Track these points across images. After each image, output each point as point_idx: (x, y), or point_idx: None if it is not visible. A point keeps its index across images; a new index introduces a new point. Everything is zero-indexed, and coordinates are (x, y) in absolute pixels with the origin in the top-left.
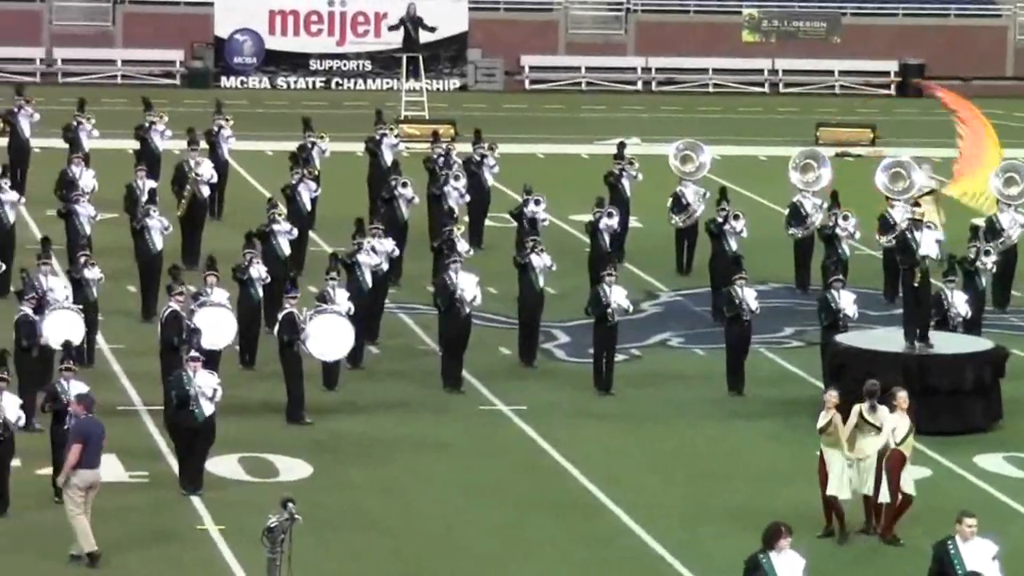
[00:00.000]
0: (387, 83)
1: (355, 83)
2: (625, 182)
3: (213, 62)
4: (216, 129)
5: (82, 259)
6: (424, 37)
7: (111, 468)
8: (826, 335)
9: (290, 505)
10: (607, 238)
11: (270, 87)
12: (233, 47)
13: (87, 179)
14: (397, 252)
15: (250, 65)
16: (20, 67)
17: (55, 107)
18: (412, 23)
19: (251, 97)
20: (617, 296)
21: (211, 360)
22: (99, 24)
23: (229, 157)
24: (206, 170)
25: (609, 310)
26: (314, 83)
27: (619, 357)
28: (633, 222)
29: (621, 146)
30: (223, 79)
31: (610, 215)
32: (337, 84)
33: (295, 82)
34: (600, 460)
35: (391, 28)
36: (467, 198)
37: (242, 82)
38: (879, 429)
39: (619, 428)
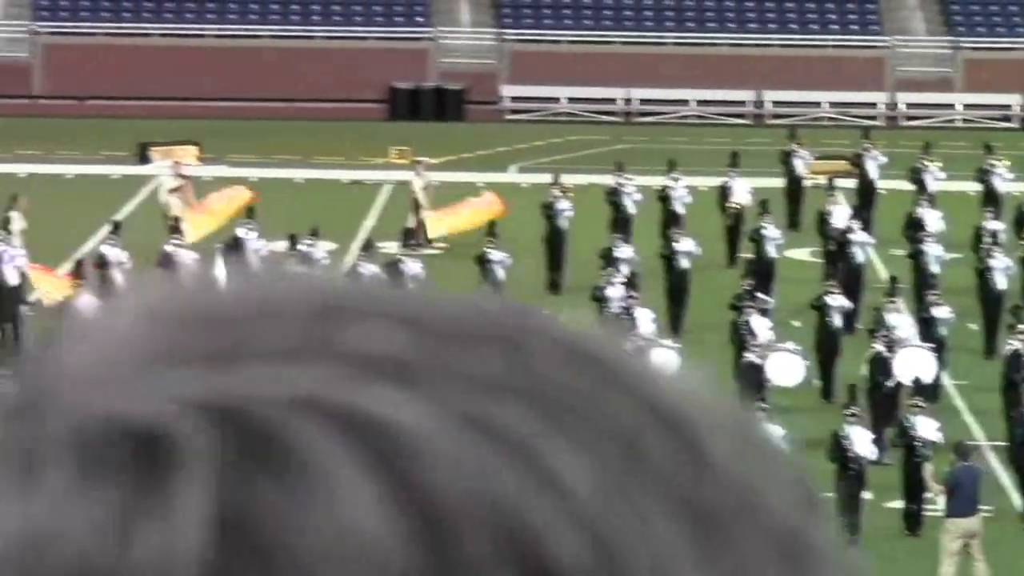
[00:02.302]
0: None
1: None
2: None
3: None
4: None
5: (930, 298)
6: None
7: None
8: None
9: None
10: None
11: None
12: None
13: (933, 220)
14: None
15: None
16: (865, 111)
17: (899, 150)
18: None
19: None
20: None
21: None
22: (940, 70)
23: None
24: None
25: None
26: None
27: None
28: None
29: None
30: None
31: None
32: None
33: None
34: None
35: None
36: None
37: None
38: None
39: None
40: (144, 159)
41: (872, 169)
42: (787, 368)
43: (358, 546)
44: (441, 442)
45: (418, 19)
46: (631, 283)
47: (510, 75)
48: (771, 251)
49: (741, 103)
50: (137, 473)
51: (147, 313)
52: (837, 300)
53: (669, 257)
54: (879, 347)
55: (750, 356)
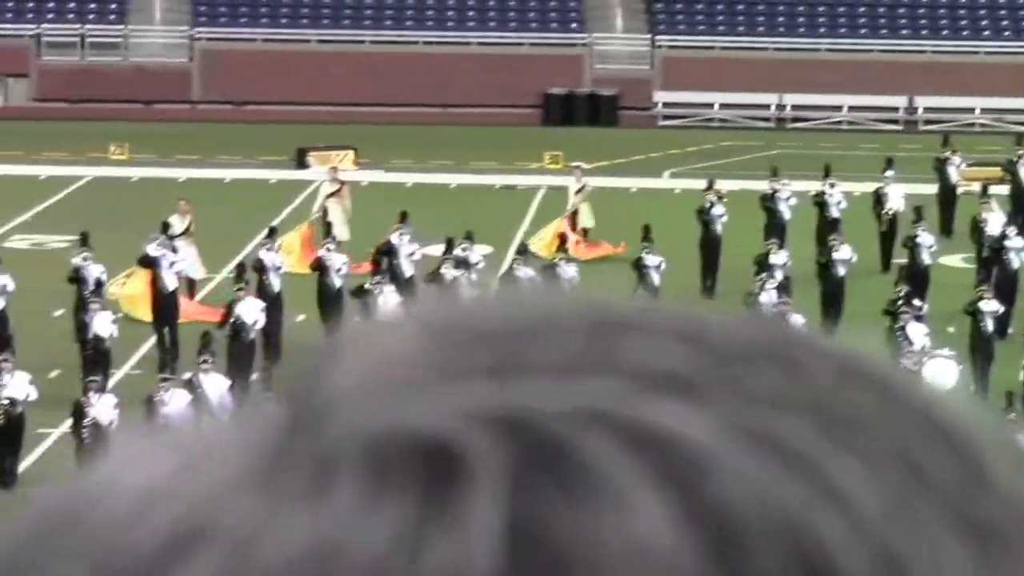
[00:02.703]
0: None
1: None
2: None
3: None
4: None
5: None
6: None
7: None
8: None
9: None
10: None
11: None
12: None
13: None
14: None
15: None
16: (1018, 117)
17: None
18: None
19: None
20: None
21: None
22: None
23: None
24: None
25: None
26: None
27: None
28: None
29: None
30: None
31: None
32: None
33: None
34: None
35: None
36: None
37: None
38: None
39: None
40: (302, 164)
41: None
42: (942, 374)
43: (650, 560)
44: (728, 456)
45: (573, 25)
46: (784, 288)
47: (663, 81)
48: (925, 257)
49: (894, 109)
50: (427, 485)
51: (422, 327)
52: (991, 305)
53: (826, 264)
54: None
55: (906, 362)
